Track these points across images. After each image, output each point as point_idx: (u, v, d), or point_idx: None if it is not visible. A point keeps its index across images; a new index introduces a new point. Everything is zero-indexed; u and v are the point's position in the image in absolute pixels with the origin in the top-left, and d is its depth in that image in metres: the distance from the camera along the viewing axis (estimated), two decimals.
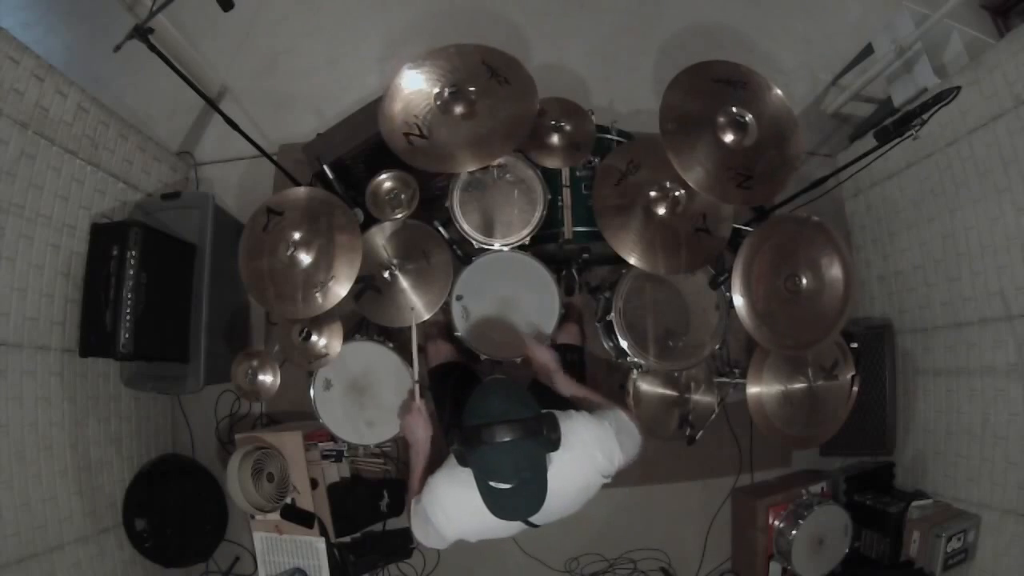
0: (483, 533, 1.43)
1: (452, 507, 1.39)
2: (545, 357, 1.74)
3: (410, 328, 1.81)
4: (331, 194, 1.87)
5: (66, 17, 2.75)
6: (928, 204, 2.31)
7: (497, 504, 1.23)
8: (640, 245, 1.84)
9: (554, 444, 1.27)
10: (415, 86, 1.82)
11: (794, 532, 2.22)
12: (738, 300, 1.76)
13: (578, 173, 2.04)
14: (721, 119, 1.75)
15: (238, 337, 2.40)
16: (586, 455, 1.37)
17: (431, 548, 1.48)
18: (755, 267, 1.78)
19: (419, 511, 1.44)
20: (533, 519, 1.36)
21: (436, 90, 1.79)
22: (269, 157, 2.04)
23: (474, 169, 1.81)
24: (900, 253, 2.46)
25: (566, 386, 1.70)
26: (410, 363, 1.96)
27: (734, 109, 1.76)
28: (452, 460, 1.44)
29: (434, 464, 1.59)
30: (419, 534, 1.47)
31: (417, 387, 1.78)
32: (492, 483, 1.21)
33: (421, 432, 1.65)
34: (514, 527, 1.40)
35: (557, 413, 1.36)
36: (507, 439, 1.19)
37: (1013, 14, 2.97)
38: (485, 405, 1.26)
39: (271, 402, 2.28)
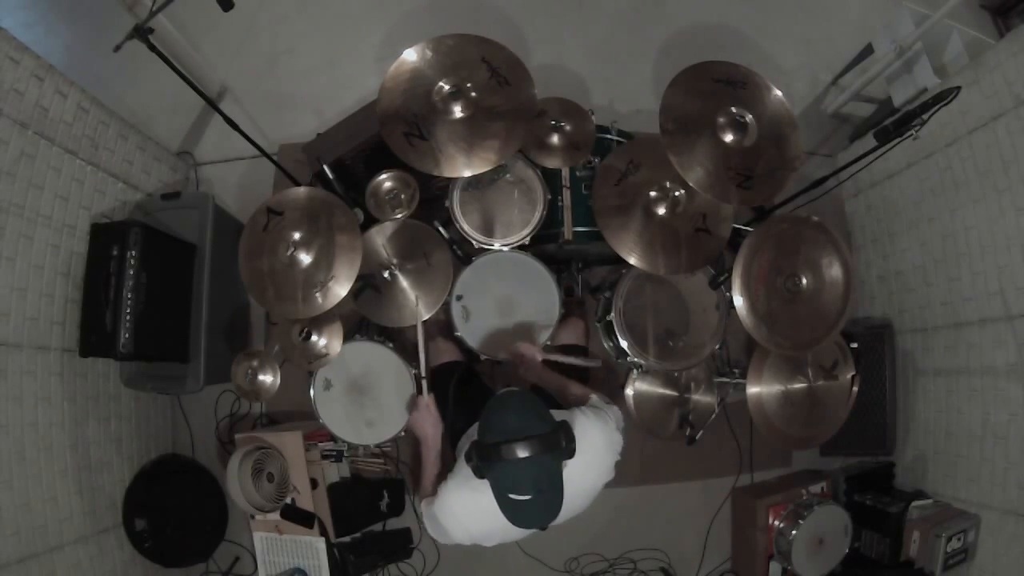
0: (496, 537, 1.44)
1: (463, 513, 1.40)
2: (529, 349, 1.79)
3: (415, 325, 1.81)
4: (331, 194, 1.87)
5: (66, 17, 2.75)
6: (928, 204, 2.31)
7: (515, 514, 1.24)
8: (640, 245, 1.84)
9: (570, 454, 1.28)
10: (415, 66, 1.80)
11: (794, 532, 2.22)
12: (738, 300, 1.76)
13: (578, 173, 2.04)
14: (721, 119, 1.75)
15: (238, 337, 2.40)
16: (598, 457, 1.39)
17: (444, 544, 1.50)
18: (755, 267, 1.78)
19: (431, 515, 1.45)
20: None
21: (437, 84, 1.78)
22: (269, 157, 2.04)
23: (472, 175, 1.80)
24: (900, 253, 2.46)
25: (547, 375, 1.75)
26: (411, 363, 1.96)
27: (734, 109, 1.76)
28: (463, 467, 1.45)
29: (442, 464, 1.60)
30: (431, 531, 1.49)
31: (425, 382, 1.76)
32: (511, 495, 1.21)
33: (430, 428, 1.65)
34: (526, 530, 1.41)
35: (565, 415, 1.37)
36: (527, 455, 1.19)
37: (1013, 14, 2.96)
38: (502, 421, 1.26)
39: (271, 402, 2.28)
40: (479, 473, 1.27)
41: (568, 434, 1.27)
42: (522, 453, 1.19)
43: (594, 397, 1.56)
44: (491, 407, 1.32)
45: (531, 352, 1.80)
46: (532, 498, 1.20)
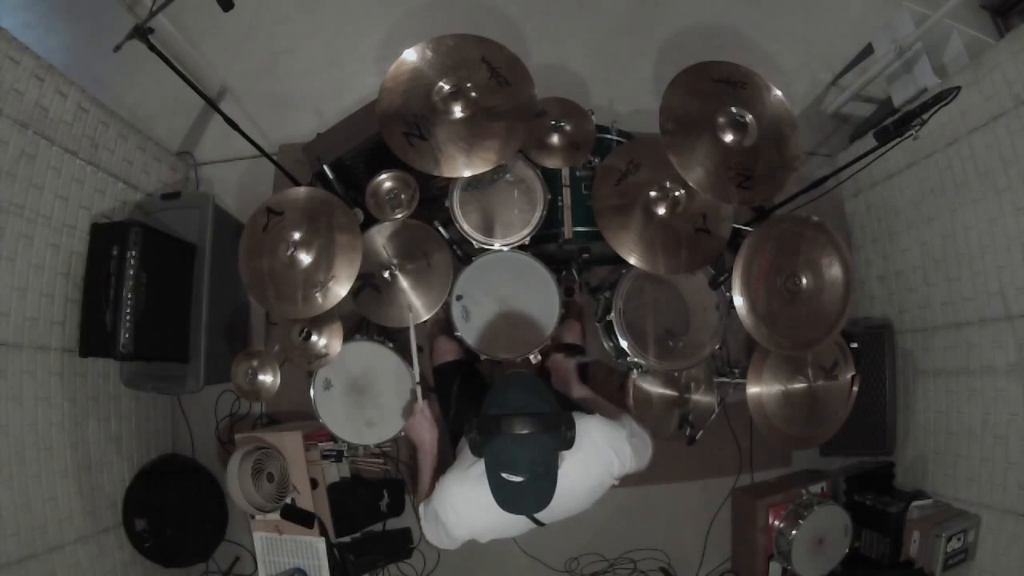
0: (493, 532, 1.43)
1: (463, 506, 1.40)
2: (566, 364, 1.79)
3: (409, 328, 1.81)
4: (331, 194, 1.87)
5: (66, 17, 2.75)
6: (928, 204, 2.31)
7: (506, 497, 1.24)
8: (640, 245, 1.84)
9: (568, 443, 1.28)
10: (415, 66, 1.80)
11: (794, 532, 2.22)
12: (738, 300, 1.76)
13: (578, 173, 2.04)
14: (721, 119, 1.75)
15: (238, 337, 2.40)
16: (598, 455, 1.39)
17: (442, 549, 1.49)
18: (755, 267, 1.78)
19: (429, 512, 1.45)
20: (542, 517, 1.37)
21: (437, 84, 1.78)
22: (269, 157, 2.05)
23: (472, 174, 1.80)
24: (900, 253, 2.46)
25: (581, 391, 1.73)
26: (411, 364, 1.96)
27: (734, 109, 1.76)
28: (462, 459, 1.45)
29: (441, 466, 1.60)
30: (430, 535, 1.48)
31: (419, 388, 1.77)
32: (504, 474, 1.21)
33: (427, 434, 1.65)
34: (523, 526, 1.41)
35: (573, 413, 1.37)
36: (525, 431, 1.20)
37: (1013, 14, 2.96)
38: (506, 396, 1.28)
39: (271, 402, 2.28)
40: (476, 449, 1.27)
41: (569, 422, 1.28)
42: (520, 428, 1.20)
43: (626, 418, 1.54)
44: (498, 386, 1.33)
45: (565, 365, 1.82)
46: (524, 480, 1.21)
